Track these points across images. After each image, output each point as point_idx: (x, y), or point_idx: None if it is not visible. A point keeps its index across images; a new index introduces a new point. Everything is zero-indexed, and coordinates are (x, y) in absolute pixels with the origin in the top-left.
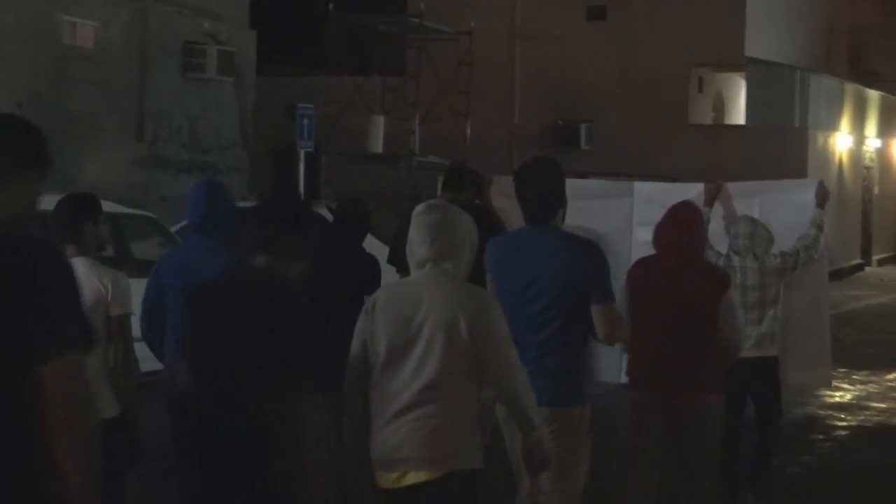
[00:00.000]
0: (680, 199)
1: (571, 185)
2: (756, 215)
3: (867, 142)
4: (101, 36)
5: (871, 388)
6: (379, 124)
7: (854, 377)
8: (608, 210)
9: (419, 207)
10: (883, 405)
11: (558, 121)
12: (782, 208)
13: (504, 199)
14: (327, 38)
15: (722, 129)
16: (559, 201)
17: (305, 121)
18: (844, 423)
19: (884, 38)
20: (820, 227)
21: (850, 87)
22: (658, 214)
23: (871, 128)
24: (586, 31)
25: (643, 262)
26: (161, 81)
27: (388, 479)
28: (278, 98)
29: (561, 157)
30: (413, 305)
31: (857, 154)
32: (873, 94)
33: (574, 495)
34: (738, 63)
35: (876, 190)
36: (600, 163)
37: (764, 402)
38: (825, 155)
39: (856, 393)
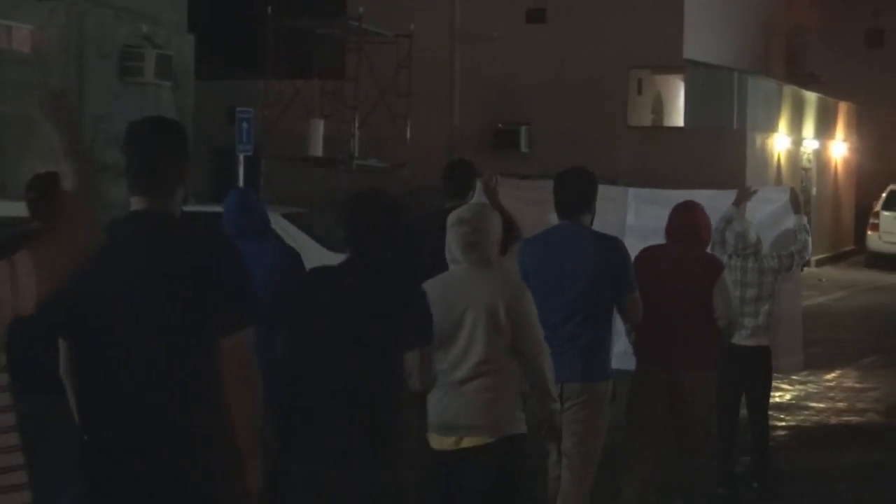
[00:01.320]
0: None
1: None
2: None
3: (805, 143)
4: (38, 40)
5: (811, 388)
6: (318, 127)
7: (793, 377)
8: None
9: (451, 218)
10: (822, 405)
11: (498, 123)
12: (755, 213)
13: (514, 201)
14: (266, 42)
15: (661, 131)
16: (591, 205)
17: (244, 124)
18: (783, 424)
19: (821, 40)
20: (807, 231)
21: (788, 89)
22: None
23: (808, 129)
24: (525, 33)
25: (650, 250)
26: (99, 85)
27: (445, 443)
28: (218, 102)
29: (500, 159)
30: (458, 294)
31: (795, 155)
32: (811, 96)
33: (593, 459)
34: (676, 65)
35: (814, 191)
36: (540, 165)
37: (757, 386)
38: (763, 156)
39: (795, 393)
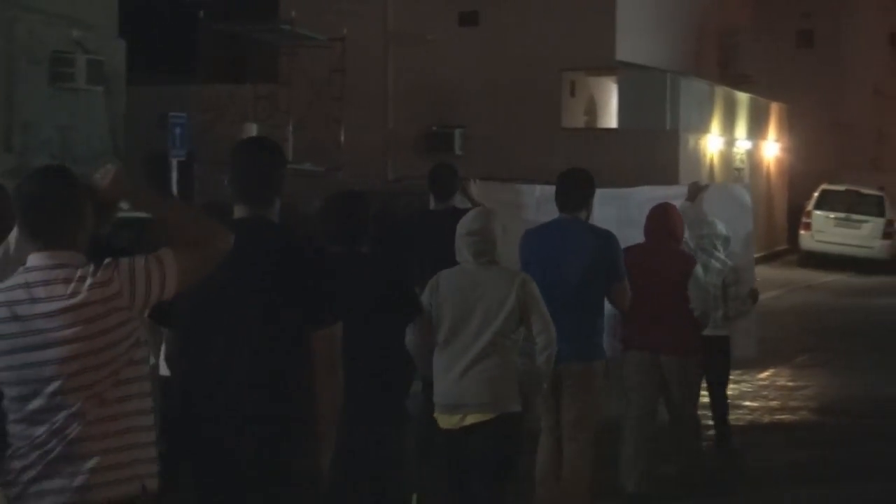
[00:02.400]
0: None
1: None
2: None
3: (737, 143)
4: None
5: (744, 387)
6: (252, 132)
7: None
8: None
9: (462, 229)
10: (755, 404)
11: (432, 126)
12: (721, 211)
13: (493, 202)
14: (199, 46)
15: (594, 133)
16: (587, 202)
17: (177, 130)
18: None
19: (752, 41)
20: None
21: (720, 90)
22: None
23: (741, 130)
24: (459, 36)
25: (632, 248)
26: (29, 91)
27: (451, 421)
28: (150, 107)
29: (435, 162)
30: (471, 286)
31: (727, 156)
32: (743, 97)
33: (592, 430)
34: (609, 67)
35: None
36: (474, 167)
37: (718, 370)
38: (696, 157)
39: (728, 392)
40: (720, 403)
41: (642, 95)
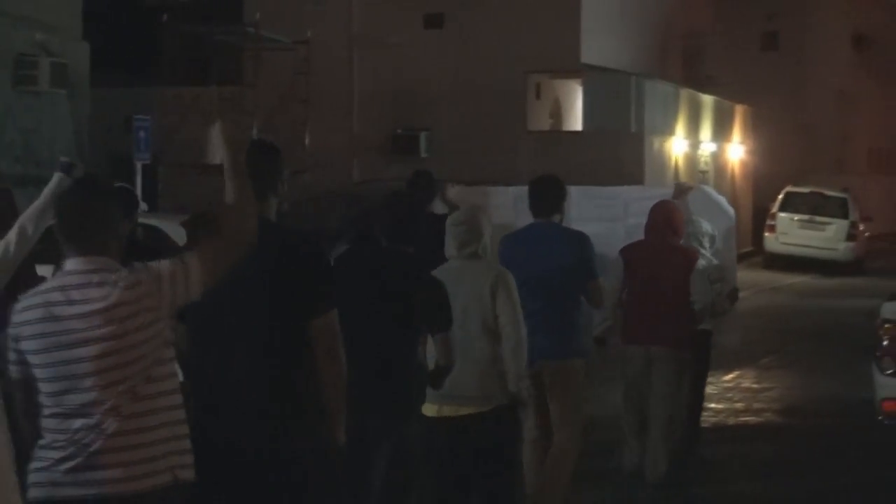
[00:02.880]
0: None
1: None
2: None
3: (702, 146)
4: None
5: (710, 389)
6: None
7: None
8: None
9: (450, 220)
10: (720, 406)
11: (398, 129)
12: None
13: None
14: (162, 49)
15: (560, 136)
16: (560, 206)
17: (142, 133)
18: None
19: (717, 43)
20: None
21: (685, 92)
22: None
23: (705, 132)
24: (424, 38)
25: (633, 245)
26: None
27: (444, 411)
28: (114, 110)
29: (400, 165)
30: (454, 281)
31: (692, 158)
32: (707, 99)
33: (578, 425)
34: (574, 70)
35: None
36: (440, 170)
37: (700, 365)
38: (661, 159)
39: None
40: (696, 400)
41: (607, 98)
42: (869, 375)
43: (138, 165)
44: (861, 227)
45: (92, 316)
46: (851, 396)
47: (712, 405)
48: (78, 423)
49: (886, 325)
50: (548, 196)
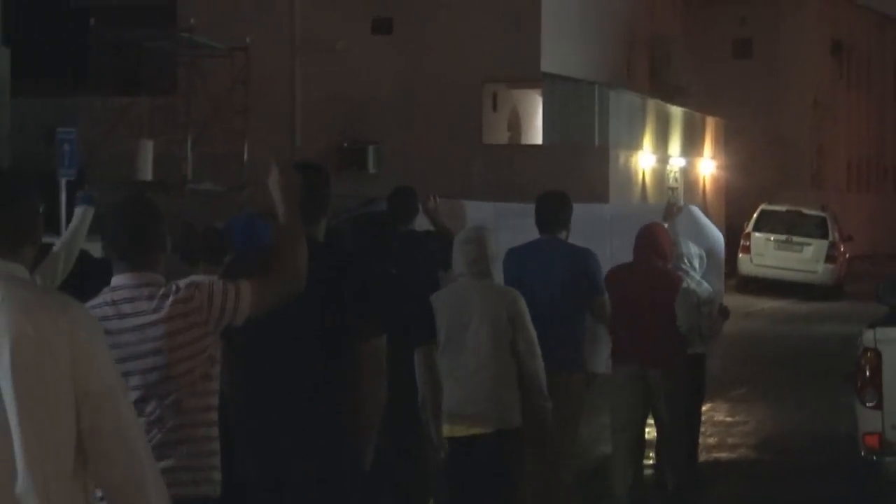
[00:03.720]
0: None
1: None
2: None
3: (671, 161)
4: None
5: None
6: (147, 148)
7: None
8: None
9: (459, 237)
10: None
11: (344, 142)
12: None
13: (454, 219)
14: (90, 56)
15: (518, 149)
16: (567, 222)
17: (66, 146)
18: (651, 462)
19: (686, 50)
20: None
21: (652, 103)
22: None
23: (674, 146)
24: (372, 44)
25: (620, 268)
26: None
27: (455, 431)
28: (37, 121)
29: (347, 180)
30: (464, 302)
31: (661, 174)
32: (676, 110)
33: (571, 441)
34: (533, 79)
35: None
36: (389, 186)
37: (694, 388)
38: (627, 175)
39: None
40: (693, 424)
41: (569, 109)
42: (849, 407)
43: (62, 182)
44: (841, 248)
45: (142, 329)
46: (831, 430)
47: None
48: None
49: (868, 354)
50: (554, 212)
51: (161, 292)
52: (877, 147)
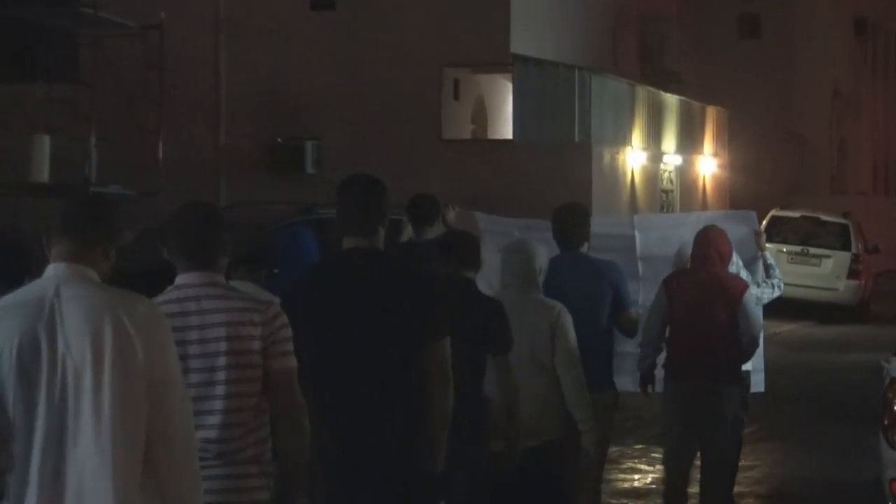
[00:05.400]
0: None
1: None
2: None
3: (665, 159)
4: None
5: None
6: (43, 144)
7: (653, 455)
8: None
9: (506, 248)
10: (692, 489)
11: (277, 138)
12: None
13: (471, 230)
14: None
15: (484, 146)
16: (587, 236)
17: None
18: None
19: (683, 30)
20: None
21: (643, 91)
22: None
23: (669, 141)
24: (311, 24)
25: (678, 274)
26: None
27: (498, 445)
28: None
29: (281, 182)
30: (511, 314)
31: (653, 174)
32: (671, 100)
33: (598, 461)
34: (502, 62)
35: None
36: (331, 189)
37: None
38: (614, 175)
39: (655, 475)
40: (734, 455)
41: (544, 98)
42: (873, 449)
43: None
44: (866, 261)
45: (205, 329)
46: (852, 476)
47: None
48: (201, 433)
49: None
50: (575, 226)
51: (225, 293)
52: None
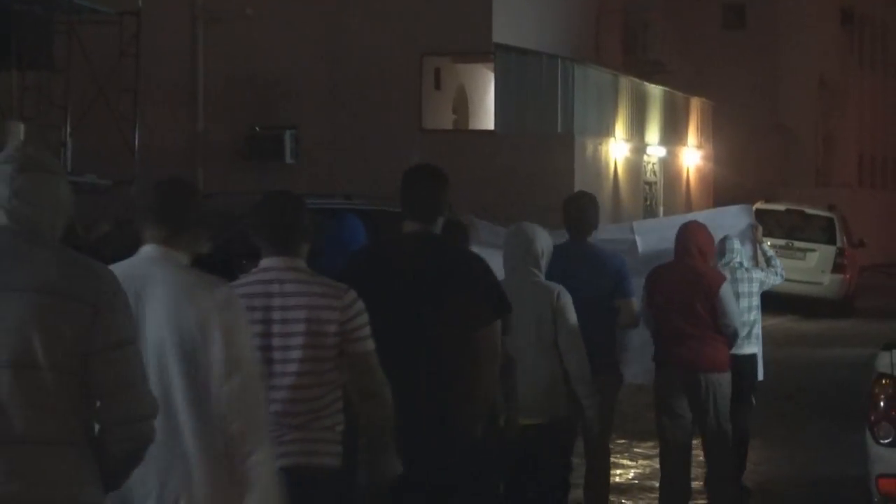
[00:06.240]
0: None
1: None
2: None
3: (649, 150)
4: None
5: (657, 463)
6: (17, 133)
7: (636, 450)
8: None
9: (508, 231)
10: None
11: (255, 127)
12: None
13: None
14: None
15: (466, 136)
16: (595, 225)
17: None
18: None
19: (666, 19)
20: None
21: (626, 82)
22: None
23: (652, 132)
24: (289, 10)
25: (660, 269)
26: None
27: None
28: None
29: (259, 172)
30: (514, 299)
31: (636, 166)
32: (655, 91)
33: (603, 442)
34: (483, 51)
35: (661, 211)
36: (311, 180)
37: (743, 391)
38: (596, 167)
39: (638, 471)
40: (741, 432)
41: (526, 88)
42: (859, 446)
43: None
44: (851, 255)
45: (287, 310)
46: (837, 473)
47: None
48: (276, 406)
49: (882, 381)
50: (585, 214)
51: (307, 278)
52: (894, 137)
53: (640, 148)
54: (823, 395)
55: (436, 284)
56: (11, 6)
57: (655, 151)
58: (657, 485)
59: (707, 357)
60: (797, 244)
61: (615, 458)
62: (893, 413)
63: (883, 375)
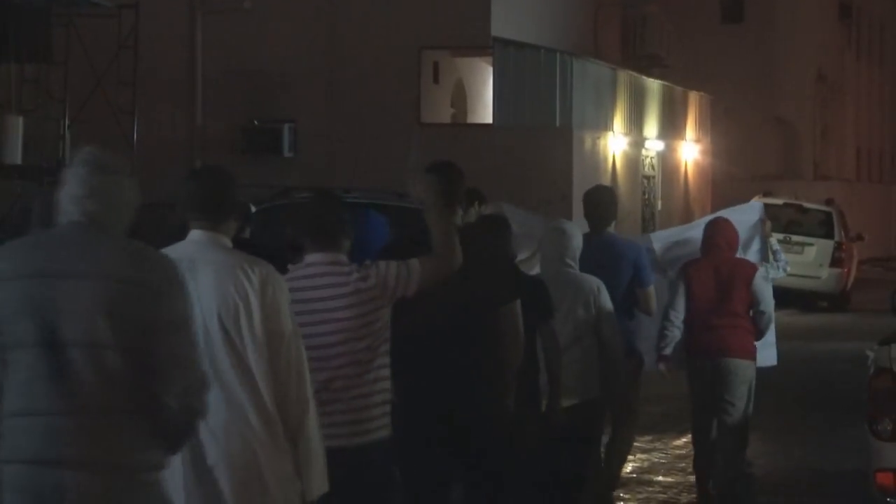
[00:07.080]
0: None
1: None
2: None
3: (647, 144)
4: None
5: (656, 457)
6: (16, 126)
7: (634, 444)
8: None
9: (550, 226)
10: (670, 479)
11: (254, 120)
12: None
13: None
14: None
15: (464, 130)
16: (613, 215)
17: None
18: None
19: (664, 13)
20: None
21: (624, 75)
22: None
23: (651, 126)
24: (287, 3)
25: (692, 262)
26: None
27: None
28: None
29: (257, 166)
30: (560, 289)
31: (634, 160)
32: (653, 85)
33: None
34: (482, 45)
35: (659, 205)
36: (309, 174)
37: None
38: (594, 161)
39: (637, 464)
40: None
41: (525, 82)
42: (858, 440)
43: None
44: (849, 249)
45: (331, 300)
46: (835, 467)
47: (660, 478)
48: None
49: (881, 376)
50: (606, 207)
51: (346, 270)
52: (891, 131)
53: (638, 142)
54: (821, 388)
55: (462, 271)
56: (9, 0)
57: (653, 145)
58: (655, 479)
59: (736, 345)
60: (795, 238)
61: None
62: (891, 408)
63: (881, 370)
